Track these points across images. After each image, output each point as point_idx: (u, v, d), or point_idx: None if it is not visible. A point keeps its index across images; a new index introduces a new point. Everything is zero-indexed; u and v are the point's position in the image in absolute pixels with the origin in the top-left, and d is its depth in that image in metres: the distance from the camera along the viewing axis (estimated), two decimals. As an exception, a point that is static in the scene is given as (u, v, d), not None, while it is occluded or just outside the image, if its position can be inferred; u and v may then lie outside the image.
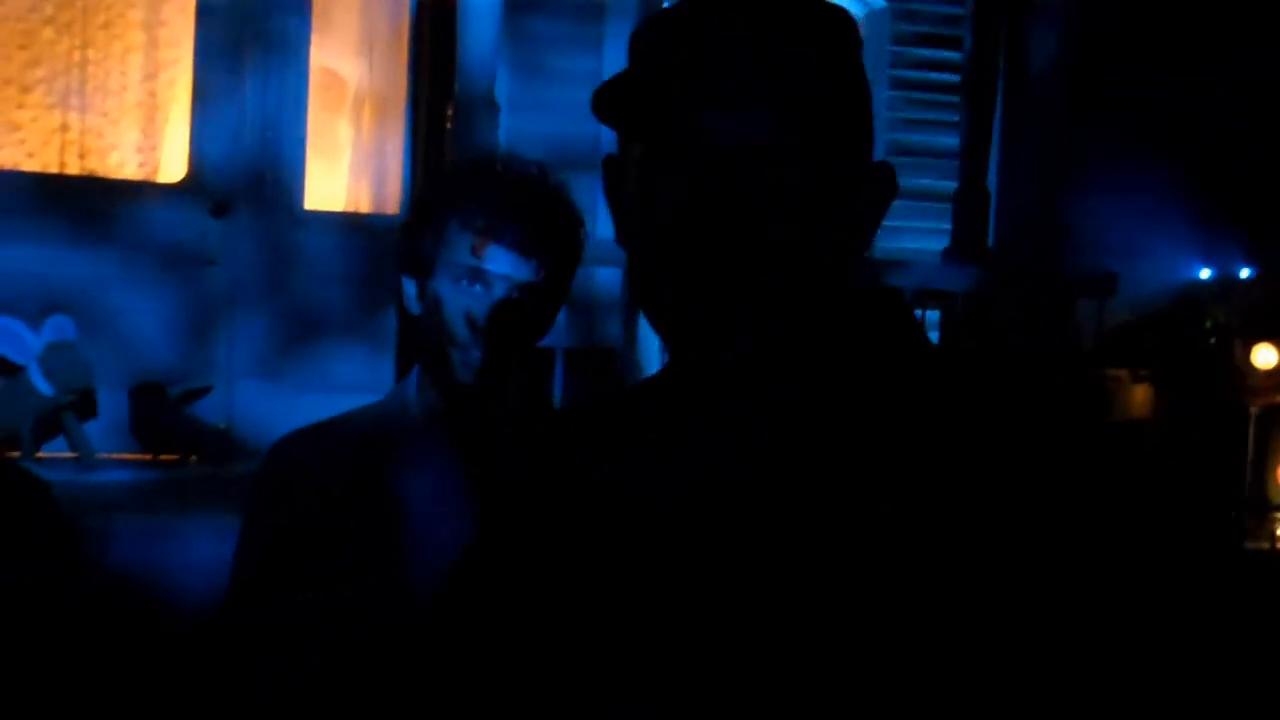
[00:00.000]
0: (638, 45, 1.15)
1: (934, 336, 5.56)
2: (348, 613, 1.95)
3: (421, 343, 1.98)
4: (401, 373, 2.12)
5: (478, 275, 1.91)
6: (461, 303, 1.91)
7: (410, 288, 1.98)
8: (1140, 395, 6.34)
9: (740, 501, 1.11)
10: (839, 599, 1.07)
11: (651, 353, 5.99)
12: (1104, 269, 6.15)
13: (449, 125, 4.74)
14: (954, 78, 6.34)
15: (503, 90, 5.45)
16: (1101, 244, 6.42)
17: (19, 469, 2.11)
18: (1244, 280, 7.63)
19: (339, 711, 1.95)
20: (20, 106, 5.64)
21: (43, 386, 4.53)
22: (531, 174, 2.00)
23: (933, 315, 5.73)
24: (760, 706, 1.07)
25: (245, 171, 5.63)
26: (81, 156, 5.69)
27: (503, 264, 1.90)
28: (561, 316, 4.16)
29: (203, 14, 5.64)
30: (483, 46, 4.72)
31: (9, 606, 1.98)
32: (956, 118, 6.17)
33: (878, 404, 1.13)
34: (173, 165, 5.72)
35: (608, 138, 4.57)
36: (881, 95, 6.42)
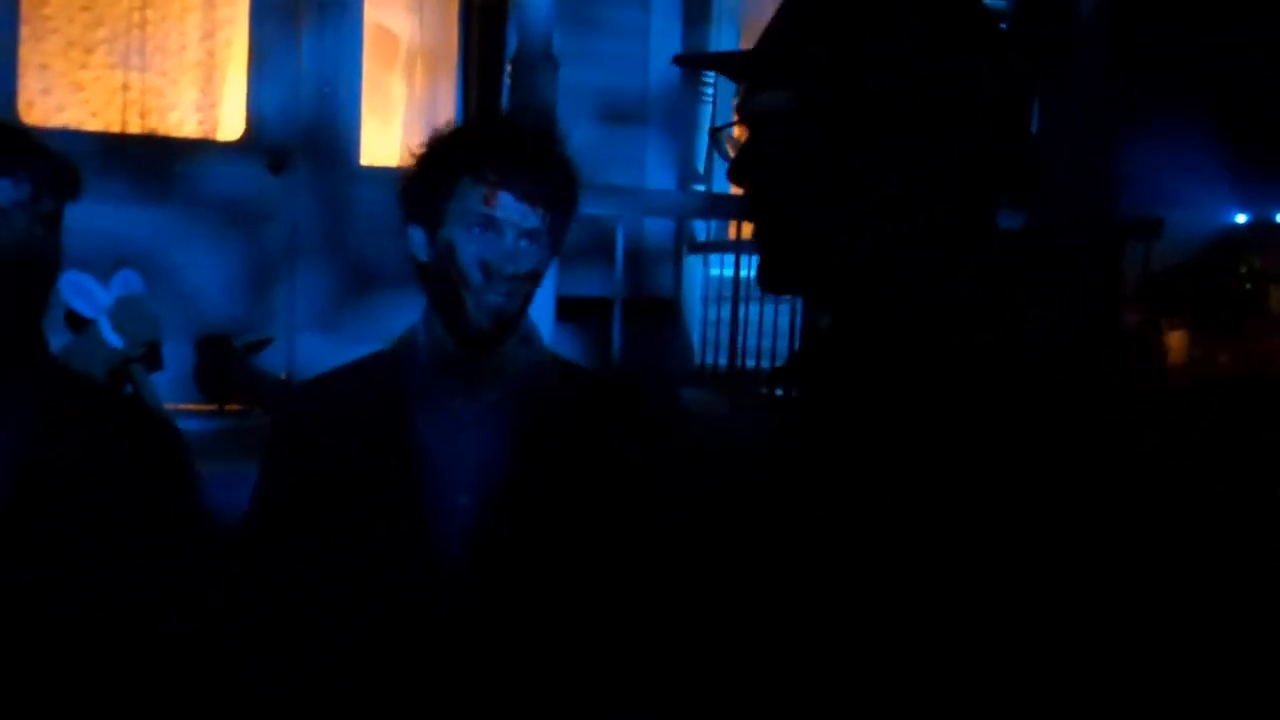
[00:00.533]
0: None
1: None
2: (364, 552, 2.04)
3: (432, 287, 2.09)
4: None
5: (490, 223, 2.03)
6: (474, 249, 2.03)
7: (419, 235, 2.09)
8: (1177, 341, 6.36)
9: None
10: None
11: (695, 302, 6.07)
12: (1150, 213, 6.17)
13: (508, 80, 4.81)
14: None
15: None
16: (1143, 192, 6.43)
17: (158, 414, 2.23)
18: (1280, 225, 7.60)
19: (352, 657, 2.04)
20: (83, 67, 5.74)
21: (112, 339, 4.62)
22: (535, 129, 2.13)
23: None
24: None
25: (302, 128, 5.72)
26: (142, 115, 5.79)
27: (511, 212, 2.03)
28: (618, 267, 4.22)
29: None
30: (540, 1, 4.78)
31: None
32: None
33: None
34: (231, 123, 5.81)
35: (655, 90, 4.69)
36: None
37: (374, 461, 2.07)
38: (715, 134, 1.30)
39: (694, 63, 1.59)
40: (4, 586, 1.89)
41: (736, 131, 1.27)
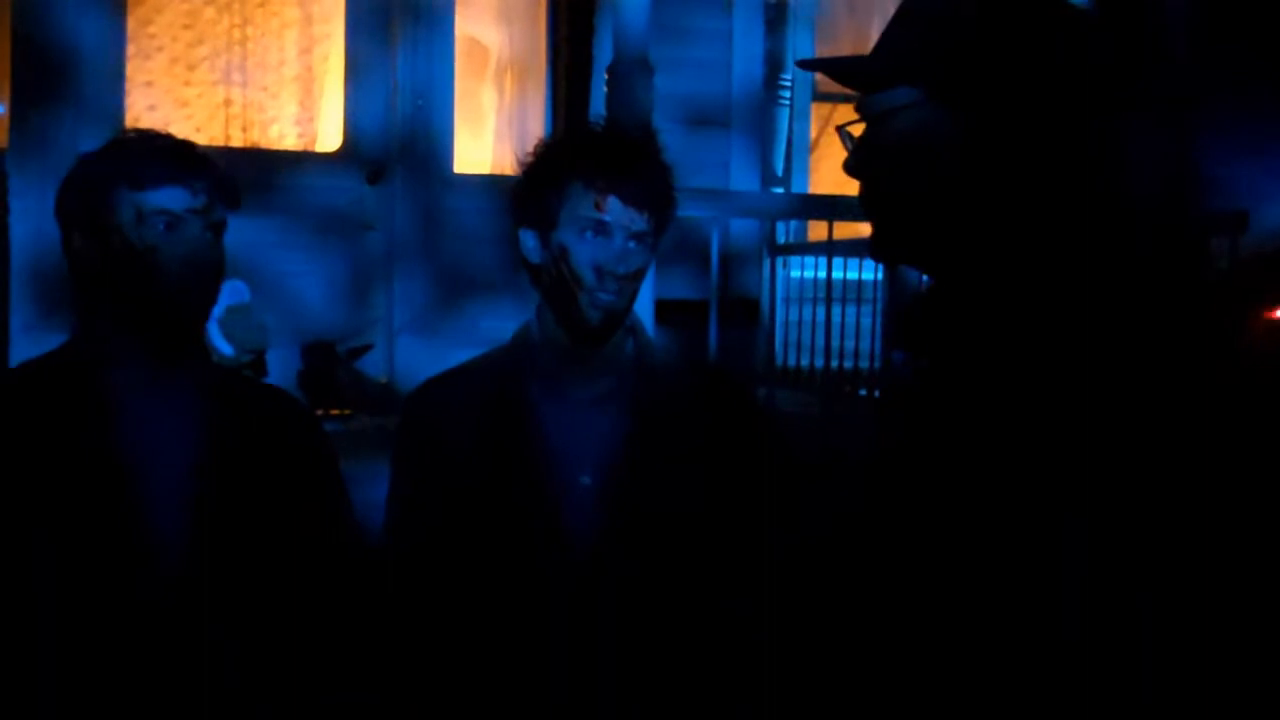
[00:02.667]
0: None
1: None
2: (498, 534, 2.19)
3: (546, 288, 2.23)
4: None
5: (601, 227, 2.17)
6: (587, 251, 2.17)
7: (530, 239, 2.22)
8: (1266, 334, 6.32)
9: None
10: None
11: (777, 303, 6.14)
12: (1235, 208, 6.16)
13: (605, 87, 4.92)
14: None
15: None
16: (1227, 188, 6.41)
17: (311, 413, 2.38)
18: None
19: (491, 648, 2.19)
20: (187, 84, 5.94)
21: (223, 347, 4.75)
22: (638, 136, 2.27)
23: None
24: None
25: (397, 139, 5.86)
26: (244, 129, 5.97)
27: (620, 216, 2.17)
28: (714, 268, 4.34)
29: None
30: (636, 9, 4.87)
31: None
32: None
33: None
34: (329, 135, 5.98)
35: (737, 95, 4.81)
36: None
37: (500, 450, 2.21)
38: (840, 130, 1.43)
39: (818, 66, 1.68)
40: (190, 577, 2.02)
41: (855, 129, 1.41)
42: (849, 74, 1.42)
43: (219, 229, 2.07)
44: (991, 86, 1.30)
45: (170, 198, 2.02)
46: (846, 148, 1.42)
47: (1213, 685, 1.12)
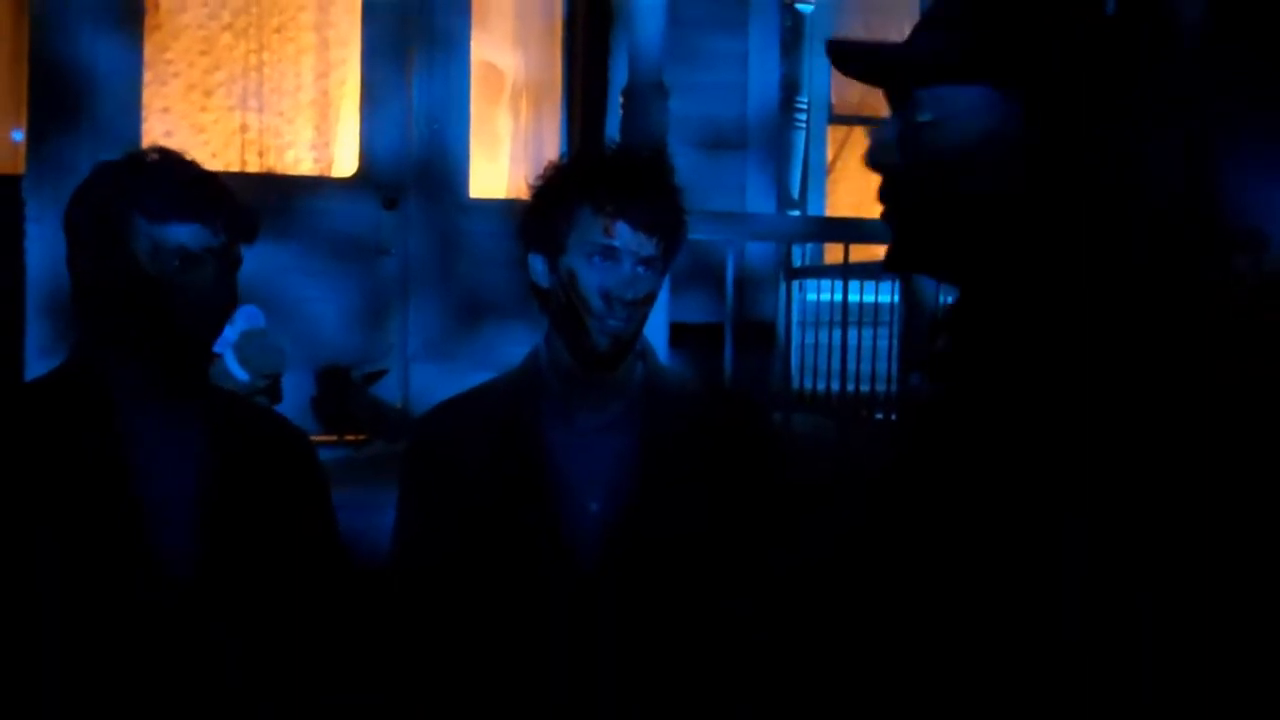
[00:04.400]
0: None
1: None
2: (505, 560, 2.18)
3: (555, 313, 2.21)
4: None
5: (609, 252, 2.15)
6: (595, 276, 2.15)
7: (539, 264, 2.21)
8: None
9: None
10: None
11: (793, 326, 6.12)
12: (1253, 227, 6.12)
13: (620, 111, 4.91)
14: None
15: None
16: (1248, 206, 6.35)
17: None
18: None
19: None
20: (203, 110, 5.95)
21: (238, 373, 4.75)
22: (648, 160, 2.26)
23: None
24: None
25: (412, 164, 5.87)
26: (260, 155, 5.99)
27: (630, 241, 2.15)
28: (729, 291, 4.30)
29: (368, 14, 5.88)
30: (651, 33, 4.87)
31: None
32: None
33: None
34: (345, 160, 5.99)
35: (753, 118, 4.79)
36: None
37: (508, 476, 2.20)
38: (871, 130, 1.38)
39: (849, 56, 1.61)
40: (190, 605, 2.00)
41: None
42: (888, 68, 1.34)
43: (234, 266, 2.06)
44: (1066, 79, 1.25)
45: (188, 235, 1.99)
46: (882, 151, 1.34)
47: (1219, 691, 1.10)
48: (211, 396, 2.17)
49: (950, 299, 1.38)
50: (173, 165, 2.05)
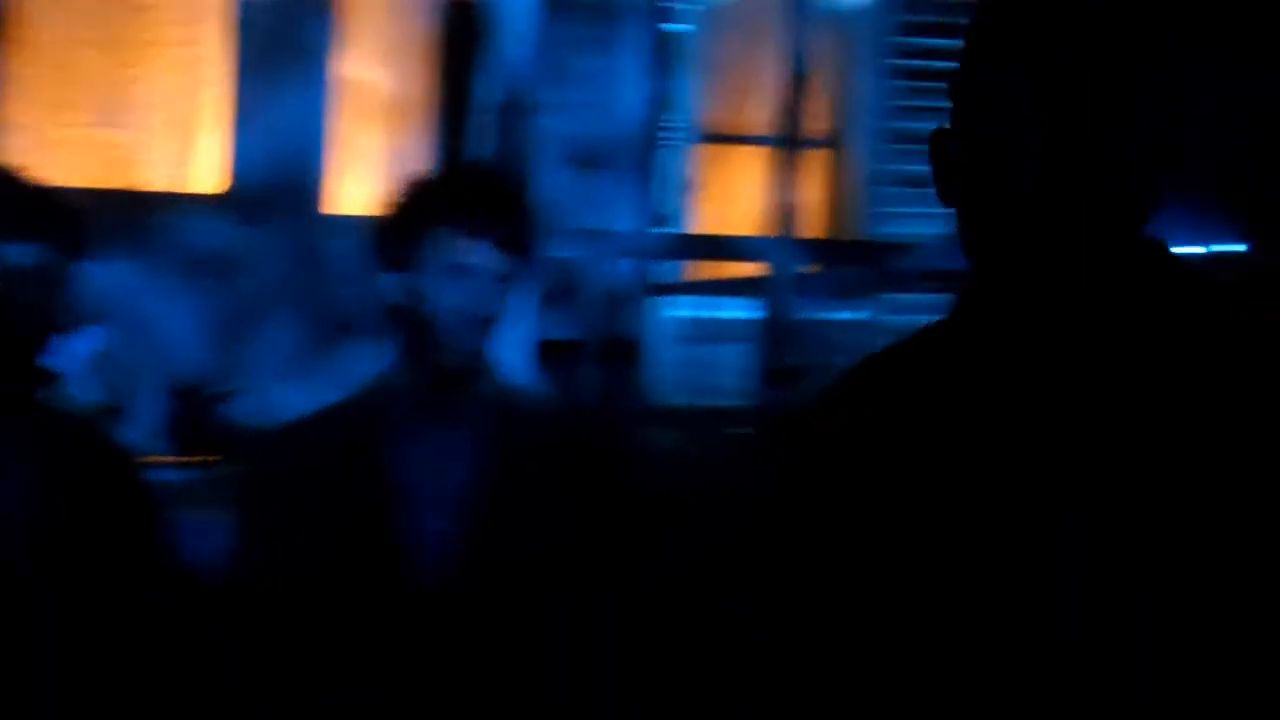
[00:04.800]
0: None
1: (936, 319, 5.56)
2: (347, 590, 2.18)
3: (405, 330, 2.22)
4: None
5: (461, 270, 2.16)
6: (447, 295, 2.16)
7: (390, 281, 2.22)
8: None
9: None
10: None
11: (666, 341, 6.17)
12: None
13: (488, 128, 4.93)
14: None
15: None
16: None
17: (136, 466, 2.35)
18: None
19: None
20: (64, 125, 5.90)
21: (81, 393, 4.72)
22: (501, 178, 2.27)
23: (935, 298, 5.82)
24: None
25: (272, 180, 5.83)
26: (119, 170, 5.94)
27: (482, 259, 2.17)
28: (590, 308, 4.27)
29: (237, 31, 5.88)
30: (519, 50, 4.89)
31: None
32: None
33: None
34: (205, 177, 5.97)
35: (622, 137, 4.80)
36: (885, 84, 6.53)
37: (354, 496, 2.20)
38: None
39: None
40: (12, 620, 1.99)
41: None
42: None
43: (61, 282, 2.04)
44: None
45: (13, 253, 1.98)
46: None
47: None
48: (37, 415, 2.15)
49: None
50: (5, 180, 2.02)
